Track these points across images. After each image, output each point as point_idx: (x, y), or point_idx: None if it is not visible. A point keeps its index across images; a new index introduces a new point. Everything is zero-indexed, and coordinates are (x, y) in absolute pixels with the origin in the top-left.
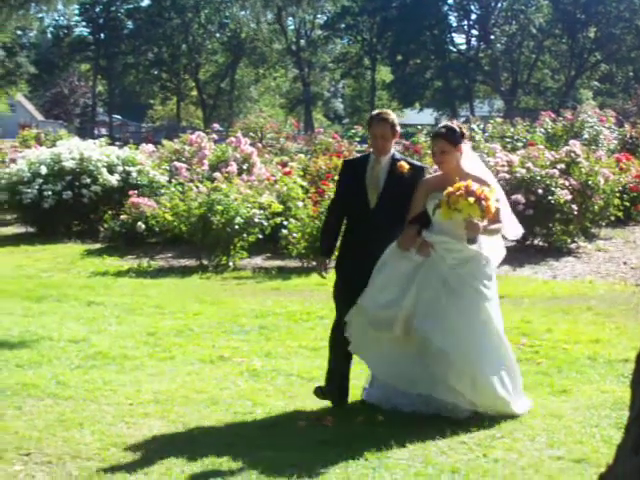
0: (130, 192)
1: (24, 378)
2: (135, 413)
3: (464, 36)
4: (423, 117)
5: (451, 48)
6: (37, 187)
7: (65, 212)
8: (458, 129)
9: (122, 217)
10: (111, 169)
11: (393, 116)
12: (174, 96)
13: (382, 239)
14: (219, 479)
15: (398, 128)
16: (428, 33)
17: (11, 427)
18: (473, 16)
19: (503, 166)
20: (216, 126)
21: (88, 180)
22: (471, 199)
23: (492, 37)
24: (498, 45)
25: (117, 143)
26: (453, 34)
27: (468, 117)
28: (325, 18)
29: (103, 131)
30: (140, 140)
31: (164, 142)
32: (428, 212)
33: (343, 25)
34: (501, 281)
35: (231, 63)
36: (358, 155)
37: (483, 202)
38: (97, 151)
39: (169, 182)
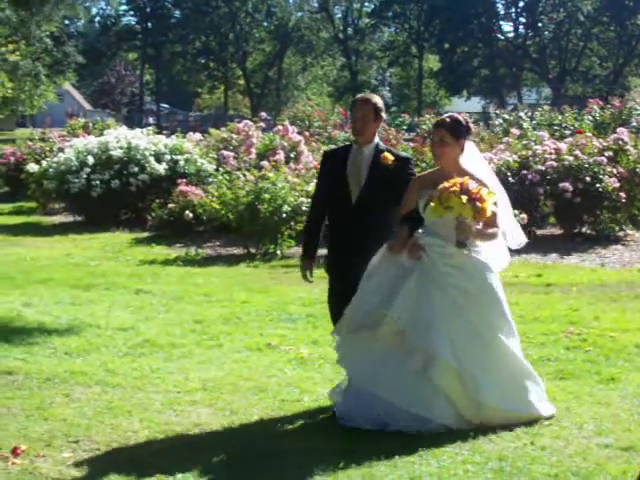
0: (178, 181)
1: (72, 366)
2: (183, 401)
3: (512, 24)
4: (470, 105)
5: (499, 36)
6: (85, 176)
7: (113, 201)
8: (464, 122)
9: (170, 206)
10: (159, 158)
11: (377, 99)
12: (221, 85)
13: (366, 236)
14: (266, 466)
15: (383, 114)
16: (475, 21)
17: (60, 414)
18: (521, 3)
19: (551, 154)
20: (263, 114)
21: (136, 169)
22: (464, 197)
23: (540, 25)
24: (546, 33)
25: (164, 132)
26: (501, 22)
27: (516, 105)
28: (372, 6)
29: (151, 120)
30: (187, 129)
31: (211, 131)
32: (419, 210)
33: (390, 13)
34: (549, 269)
35: (278, 52)
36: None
37: (477, 203)
38: (144, 140)
39: (216, 170)
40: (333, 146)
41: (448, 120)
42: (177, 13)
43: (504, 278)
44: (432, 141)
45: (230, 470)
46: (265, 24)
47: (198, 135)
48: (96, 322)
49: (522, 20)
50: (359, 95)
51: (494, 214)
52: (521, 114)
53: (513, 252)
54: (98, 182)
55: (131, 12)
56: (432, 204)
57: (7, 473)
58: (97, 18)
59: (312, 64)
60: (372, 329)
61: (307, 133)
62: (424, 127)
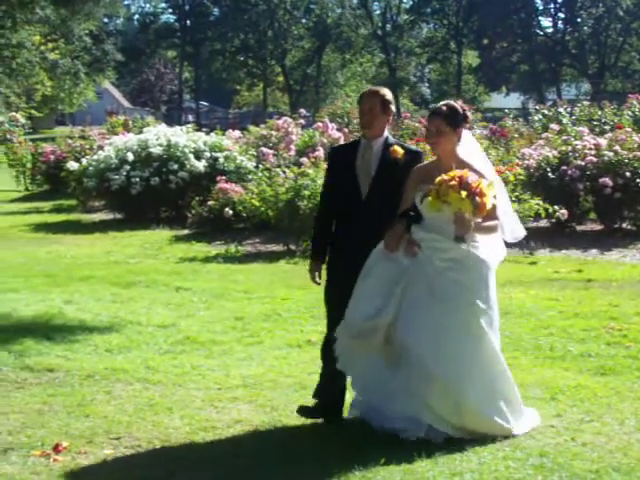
0: (218, 178)
1: (113, 363)
2: (223, 397)
3: (550, 19)
4: (510, 101)
5: (537, 31)
6: (125, 174)
7: (153, 198)
8: (461, 110)
9: (210, 203)
10: (198, 155)
11: (386, 92)
12: (260, 82)
13: (377, 234)
14: (307, 462)
15: (392, 107)
16: (514, 16)
17: (101, 411)
18: None
19: (590, 149)
20: (303, 111)
21: (175, 166)
22: (463, 193)
23: (579, 20)
24: (585, 28)
25: (204, 129)
26: (540, 17)
27: (555, 100)
28: (411, 2)
29: (190, 117)
30: (227, 126)
31: (250, 128)
32: (417, 204)
33: (429, 9)
34: (589, 265)
35: (317, 49)
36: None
37: (477, 198)
38: (184, 137)
39: (256, 167)
40: None
41: (444, 108)
42: (216, 11)
43: (545, 274)
44: (427, 131)
45: (271, 467)
46: (304, 21)
47: (237, 132)
48: (137, 319)
49: (561, 15)
50: (367, 88)
51: (494, 206)
52: (560, 109)
53: (554, 248)
54: (138, 179)
55: (170, 10)
56: (429, 198)
57: (49, 470)
58: (136, 16)
59: (351, 61)
60: (368, 338)
61: (346, 130)
62: None
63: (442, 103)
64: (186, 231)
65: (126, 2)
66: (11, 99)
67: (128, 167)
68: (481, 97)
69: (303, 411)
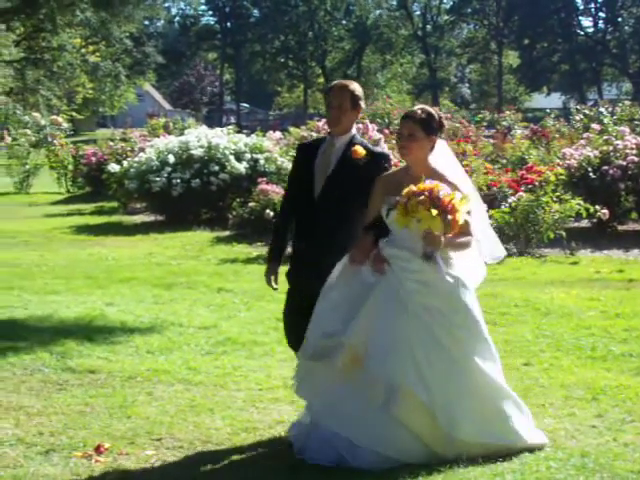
0: (258, 179)
1: (155, 364)
2: (265, 398)
3: (591, 19)
4: (551, 101)
5: (578, 31)
6: (166, 175)
7: (194, 200)
8: (437, 117)
9: (250, 204)
10: (239, 157)
11: (356, 86)
12: (301, 83)
13: (328, 239)
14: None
15: (362, 103)
16: (555, 16)
17: (142, 412)
18: None
19: (632, 149)
20: None
21: (216, 168)
22: (434, 211)
23: (619, 19)
24: (626, 27)
25: (245, 131)
26: (580, 17)
27: (596, 100)
28: (451, 3)
29: (231, 119)
30: (267, 127)
31: (291, 129)
32: (383, 216)
33: (469, 9)
34: (630, 265)
35: (357, 49)
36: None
37: (449, 216)
38: (225, 139)
39: None
40: None
41: (419, 112)
42: (256, 12)
43: (586, 274)
44: (399, 135)
45: (313, 468)
46: (344, 22)
47: (278, 134)
48: (178, 321)
49: (602, 15)
50: (335, 81)
51: (467, 222)
52: (602, 109)
53: (596, 248)
54: (179, 181)
55: (210, 12)
56: (396, 213)
57: (91, 471)
58: (177, 18)
59: (391, 61)
60: (329, 357)
61: (387, 131)
62: (504, 124)
63: (418, 107)
64: (227, 232)
65: (167, 4)
66: (52, 102)
67: (169, 169)
68: (522, 97)
69: None
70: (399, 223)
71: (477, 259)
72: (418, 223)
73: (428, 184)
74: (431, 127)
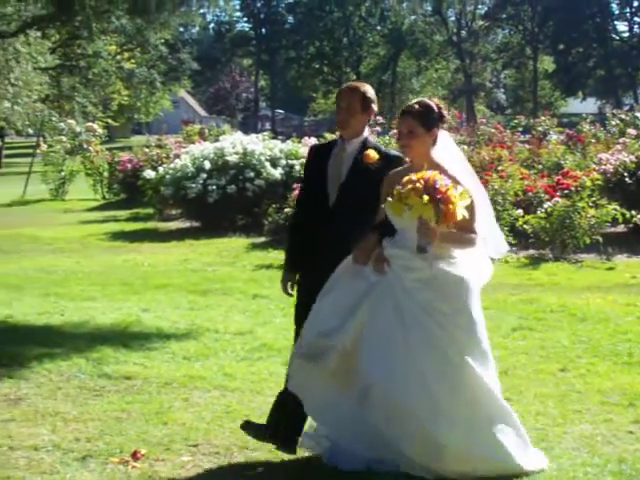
0: (294, 185)
1: (191, 370)
2: None
3: (626, 23)
4: (586, 106)
5: (613, 36)
6: (201, 182)
7: (229, 206)
8: (436, 109)
9: (286, 210)
10: (274, 163)
11: (367, 88)
12: (335, 89)
13: (342, 246)
14: (382, 468)
15: (374, 105)
16: (590, 21)
17: (179, 418)
18: (635, 3)
19: None
20: (379, 118)
21: (252, 174)
22: (425, 198)
23: None
24: None
25: (280, 137)
26: (615, 22)
27: (632, 105)
28: (486, 8)
29: (267, 125)
30: (303, 133)
31: (326, 135)
32: (386, 211)
33: (504, 15)
34: None
35: (392, 55)
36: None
37: (441, 205)
38: (260, 145)
39: None
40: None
41: (416, 107)
42: (291, 19)
43: (622, 279)
44: (399, 132)
45: (347, 474)
46: (379, 28)
47: (313, 140)
48: (214, 327)
49: (637, 20)
50: (347, 83)
51: (469, 219)
52: (637, 114)
53: (632, 253)
54: (214, 187)
55: (245, 18)
56: (390, 199)
57: (127, 477)
58: (212, 25)
59: (426, 67)
60: (322, 358)
61: None
62: (539, 129)
63: (415, 101)
64: (263, 238)
65: (202, 11)
66: (88, 109)
67: (205, 175)
68: (557, 102)
69: (247, 427)
70: (393, 210)
71: (483, 258)
72: (409, 210)
73: (427, 173)
74: (431, 120)
